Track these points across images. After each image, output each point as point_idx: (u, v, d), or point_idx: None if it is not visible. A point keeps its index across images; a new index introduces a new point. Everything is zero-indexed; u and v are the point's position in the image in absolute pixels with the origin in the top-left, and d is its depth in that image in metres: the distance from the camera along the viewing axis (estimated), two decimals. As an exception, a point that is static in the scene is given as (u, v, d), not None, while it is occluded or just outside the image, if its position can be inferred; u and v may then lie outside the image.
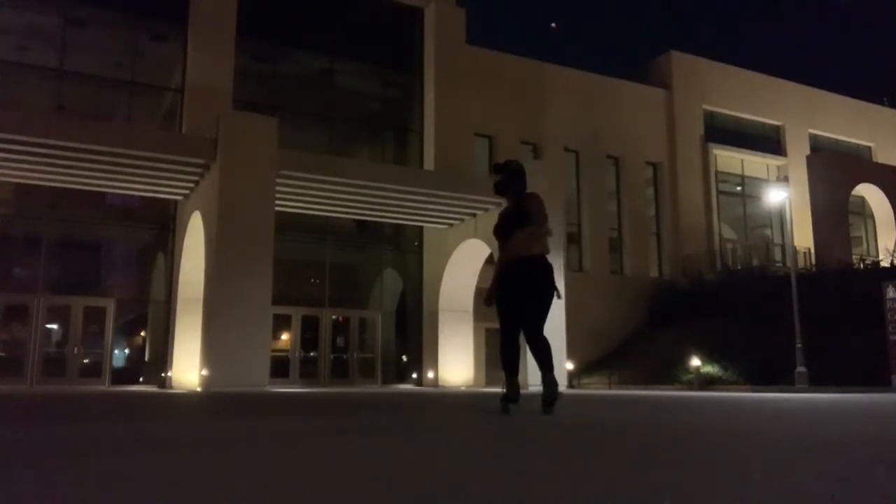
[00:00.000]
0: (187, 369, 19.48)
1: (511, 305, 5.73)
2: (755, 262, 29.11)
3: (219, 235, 17.38)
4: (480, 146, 26.60)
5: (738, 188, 32.84)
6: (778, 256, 30.09)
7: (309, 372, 22.89)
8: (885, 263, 26.52)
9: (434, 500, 1.87)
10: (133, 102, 22.48)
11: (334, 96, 25.29)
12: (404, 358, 25.26)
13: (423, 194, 20.86)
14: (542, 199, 5.87)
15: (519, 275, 5.66)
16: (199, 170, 18.80)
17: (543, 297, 5.66)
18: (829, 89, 35.88)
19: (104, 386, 20.01)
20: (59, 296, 20.50)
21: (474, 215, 22.21)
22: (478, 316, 23.85)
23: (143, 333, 22.71)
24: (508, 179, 5.90)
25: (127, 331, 22.72)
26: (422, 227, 24.53)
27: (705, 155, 31.25)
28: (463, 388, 21.99)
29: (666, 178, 30.38)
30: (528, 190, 5.96)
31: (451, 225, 23.25)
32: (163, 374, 20.69)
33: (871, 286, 19.48)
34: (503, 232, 5.79)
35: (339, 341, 23.93)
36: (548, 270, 5.73)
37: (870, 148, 36.86)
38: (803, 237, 30.55)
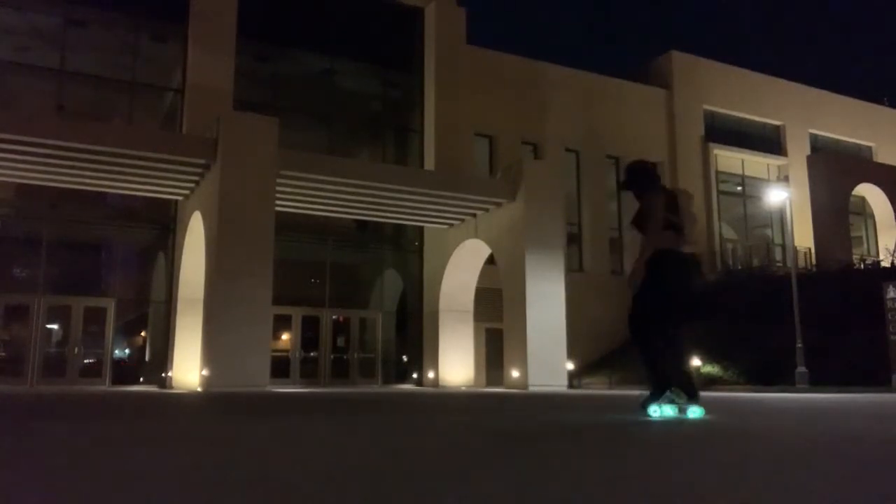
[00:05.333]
0: (188, 369, 19.46)
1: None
2: (755, 262, 29.09)
3: (219, 235, 17.36)
4: (480, 146, 26.57)
5: (739, 188, 32.81)
6: (778, 256, 30.07)
7: (309, 372, 22.87)
8: (885, 263, 26.52)
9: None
10: (133, 102, 22.46)
11: (334, 96, 25.26)
12: (405, 358, 25.24)
13: (423, 194, 20.85)
14: (657, 198, 5.89)
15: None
16: (199, 170, 18.79)
17: (647, 292, 5.56)
18: (829, 89, 35.85)
19: (104, 386, 20.00)
20: (59, 296, 20.48)
21: (474, 215, 22.20)
22: (478, 316, 23.84)
23: (143, 333, 22.69)
24: (625, 182, 6.12)
25: (127, 331, 22.70)
26: (422, 227, 24.52)
27: (705, 155, 31.22)
28: (463, 388, 21.98)
29: (666, 178, 30.28)
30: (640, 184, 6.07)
31: (451, 225, 23.24)
32: (163, 375, 20.67)
33: (871, 286, 19.47)
34: (638, 230, 5.95)
35: (340, 341, 23.92)
36: (656, 267, 5.56)
37: (870, 148, 36.82)
38: (803, 237, 30.52)
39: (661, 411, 5.39)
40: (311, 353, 23.26)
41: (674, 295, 5.61)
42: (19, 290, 20.43)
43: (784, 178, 23.61)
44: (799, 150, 33.61)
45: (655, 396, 5.50)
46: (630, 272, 5.74)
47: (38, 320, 19.93)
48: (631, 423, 5.03)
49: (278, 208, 18.71)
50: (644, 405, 5.54)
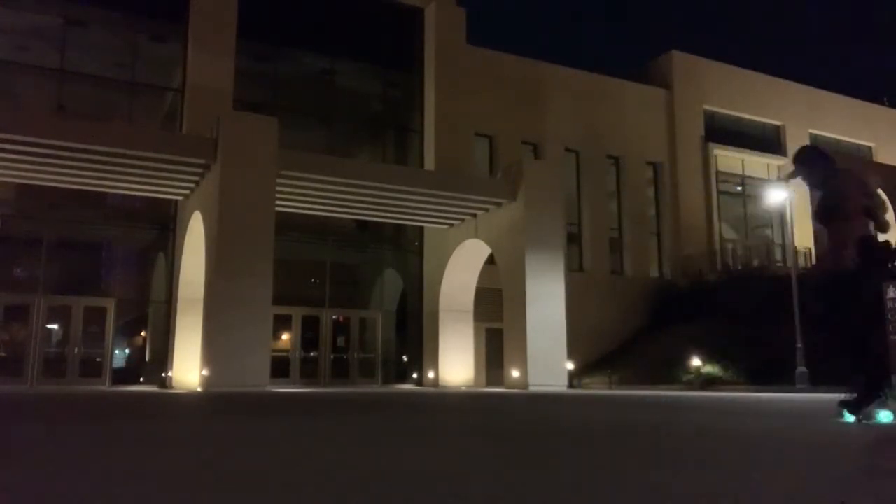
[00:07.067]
0: (188, 369, 19.45)
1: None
2: (755, 262, 29.07)
3: (219, 235, 17.35)
4: (480, 146, 26.56)
5: (739, 188, 32.81)
6: (778, 256, 30.03)
7: (309, 372, 22.85)
8: (885, 263, 26.48)
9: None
10: (133, 102, 22.46)
11: (334, 96, 25.26)
12: (405, 358, 25.23)
13: (423, 194, 20.84)
14: (848, 180, 5.16)
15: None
16: (199, 170, 18.78)
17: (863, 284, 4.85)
18: (829, 89, 35.85)
19: (105, 386, 19.98)
20: (59, 296, 20.47)
21: (474, 215, 22.19)
22: (478, 316, 23.84)
23: (143, 333, 22.68)
24: (794, 171, 5.47)
25: (127, 331, 22.70)
26: (422, 227, 24.50)
27: (706, 155, 31.22)
28: (463, 388, 21.97)
29: (666, 178, 30.35)
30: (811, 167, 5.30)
31: (451, 225, 23.23)
32: (163, 374, 20.66)
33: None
34: (822, 222, 5.33)
35: (340, 341, 23.91)
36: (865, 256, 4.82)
37: (870, 148, 36.83)
38: (803, 237, 30.48)
39: (878, 417, 4.82)
40: (311, 353, 23.24)
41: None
42: (19, 290, 20.41)
43: (785, 178, 23.58)
44: (799, 150, 33.58)
45: (864, 400, 4.96)
46: (832, 256, 5.16)
47: (38, 320, 19.91)
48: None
49: (278, 208, 18.70)
50: (852, 408, 4.99)
